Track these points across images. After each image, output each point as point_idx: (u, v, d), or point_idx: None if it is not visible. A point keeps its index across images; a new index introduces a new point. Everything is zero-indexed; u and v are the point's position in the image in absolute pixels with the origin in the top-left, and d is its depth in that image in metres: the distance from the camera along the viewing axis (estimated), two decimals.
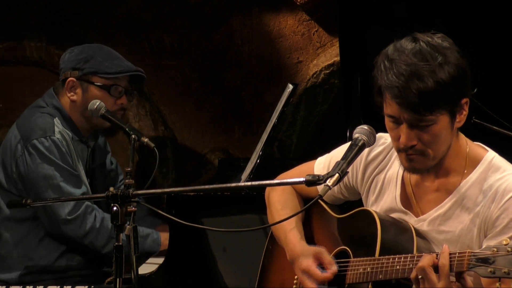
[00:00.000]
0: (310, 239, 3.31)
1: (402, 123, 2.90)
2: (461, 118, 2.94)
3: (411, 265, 2.88)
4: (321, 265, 3.16)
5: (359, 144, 2.97)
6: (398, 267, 2.91)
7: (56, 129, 4.32)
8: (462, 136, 3.05)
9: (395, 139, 2.96)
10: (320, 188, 2.89)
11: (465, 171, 3.00)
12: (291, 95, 4.57)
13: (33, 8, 5.83)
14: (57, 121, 4.36)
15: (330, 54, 5.75)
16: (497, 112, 4.39)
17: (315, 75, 5.79)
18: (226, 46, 5.87)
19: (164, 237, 4.42)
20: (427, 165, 2.97)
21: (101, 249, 4.27)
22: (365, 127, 3.01)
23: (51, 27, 5.86)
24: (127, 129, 4.21)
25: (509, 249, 2.64)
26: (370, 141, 2.99)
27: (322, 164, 3.34)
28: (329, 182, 2.86)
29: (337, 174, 2.87)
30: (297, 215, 3.31)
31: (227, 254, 4.23)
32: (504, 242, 2.67)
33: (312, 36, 5.81)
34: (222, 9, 5.84)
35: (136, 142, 4.12)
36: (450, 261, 2.77)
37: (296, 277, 3.30)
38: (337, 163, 2.91)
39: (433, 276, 2.78)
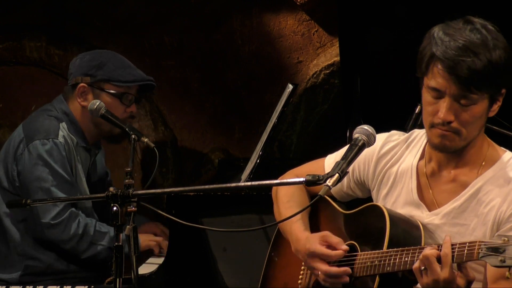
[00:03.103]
0: None
1: (443, 97, 2.94)
2: (495, 108, 3.02)
3: (420, 256, 2.88)
4: (329, 248, 3.16)
5: (359, 144, 2.98)
6: (406, 258, 2.92)
7: (60, 133, 4.32)
8: (484, 134, 3.09)
9: (431, 114, 2.98)
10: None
11: (483, 165, 3.04)
12: (291, 95, 4.58)
13: (33, 8, 5.83)
14: (63, 125, 4.36)
15: (330, 54, 5.74)
16: (497, 112, 4.38)
17: (315, 75, 5.78)
18: (226, 46, 5.86)
19: (143, 238, 4.42)
20: (458, 145, 3.00)
21: (82, 254, 4.28)
22: (365, 127, 3.02)
23: (51, 27, 5.85)
24: (127, 129, 4.22)
25: None
26: (370, 141, 3.00)
27: (333, 159, 3.34)
28: (329, 182, 2.87)
29: (337, 174, 2.89)
30: (304, 211, 3.30)
31: (227, 254, 4.23)
32: None
33: (312, 36, 5.80)
34: (222, 9, 5.83)
35: (136, 142, 4.12)
36: (452, 251, 2.79)
37: (301, 272, 3.31)
38: (337, 163, 2.93)
39: (436, 266, 2.81)
